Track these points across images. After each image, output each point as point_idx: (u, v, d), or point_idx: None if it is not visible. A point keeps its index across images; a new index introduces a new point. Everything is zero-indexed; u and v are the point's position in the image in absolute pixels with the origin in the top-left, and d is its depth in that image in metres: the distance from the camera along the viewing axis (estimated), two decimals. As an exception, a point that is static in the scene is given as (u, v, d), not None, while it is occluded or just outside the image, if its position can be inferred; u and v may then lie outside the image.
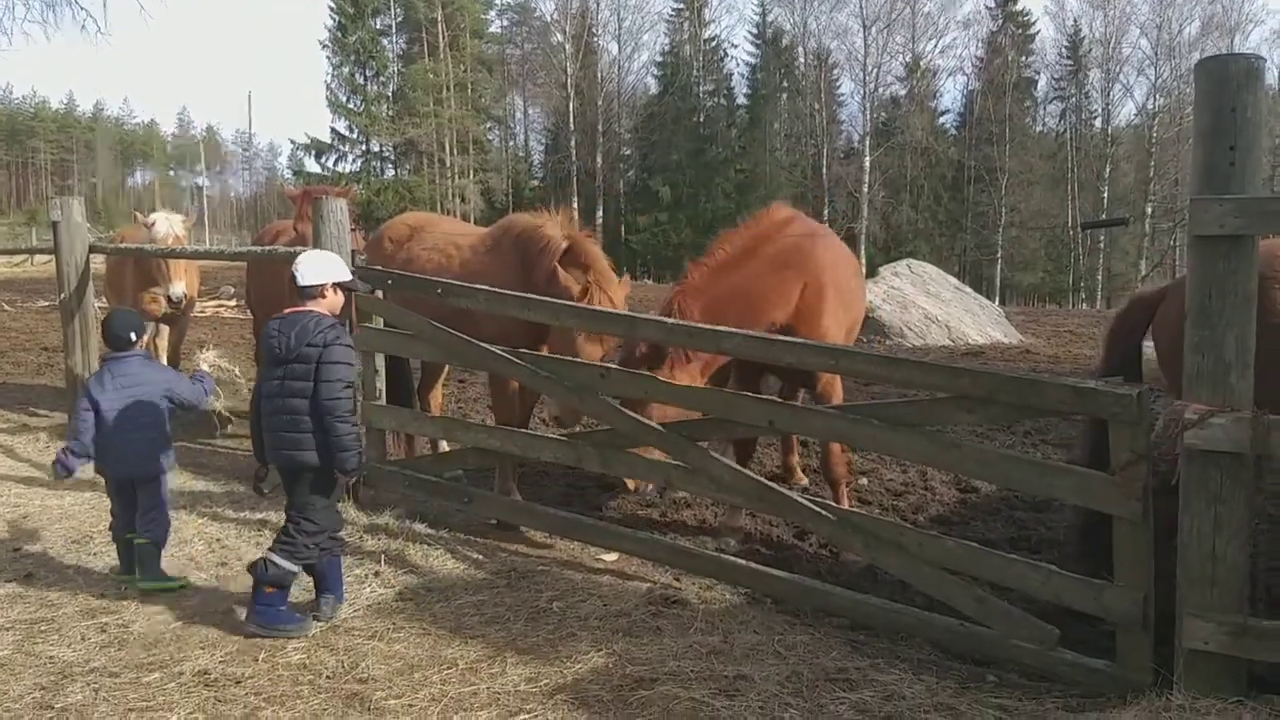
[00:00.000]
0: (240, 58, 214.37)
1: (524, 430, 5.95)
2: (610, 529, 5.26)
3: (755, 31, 61.14)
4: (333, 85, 57.78)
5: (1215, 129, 3.33)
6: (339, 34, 57.38)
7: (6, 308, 22.03)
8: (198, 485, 6.79)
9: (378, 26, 58.89)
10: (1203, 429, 3.29)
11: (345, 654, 4.04)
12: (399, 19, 59.52)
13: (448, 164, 56.84)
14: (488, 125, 63.59)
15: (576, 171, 56.15)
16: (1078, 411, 3.93)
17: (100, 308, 8.66)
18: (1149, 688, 3.49)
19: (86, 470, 5.19)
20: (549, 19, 60.60)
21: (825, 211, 49.46)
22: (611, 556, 5.36)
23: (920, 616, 4.21)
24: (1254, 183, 3.32)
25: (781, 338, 4.96)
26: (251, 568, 4.30)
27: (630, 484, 5.55)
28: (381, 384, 6.15)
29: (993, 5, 56.26)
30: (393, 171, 59.69)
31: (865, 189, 51.56)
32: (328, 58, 58.04)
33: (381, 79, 59.07)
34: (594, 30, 58.80)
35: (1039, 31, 57.85)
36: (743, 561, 4.91)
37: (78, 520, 5.97)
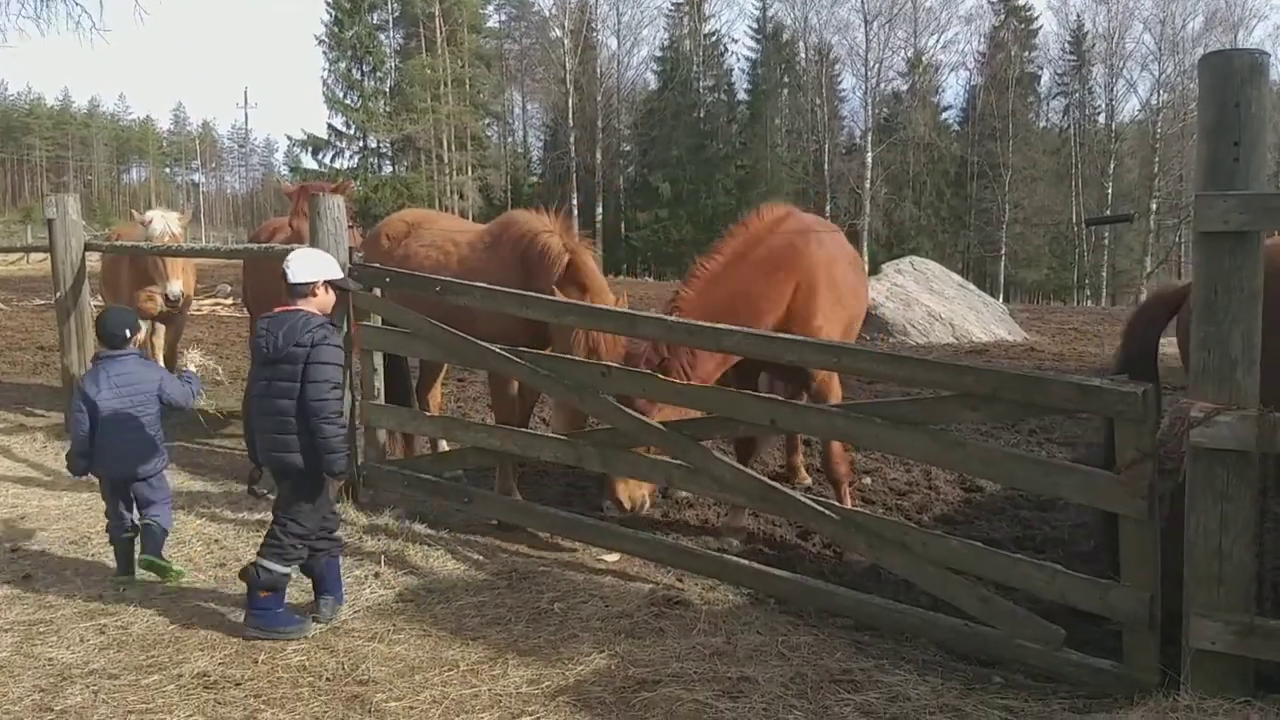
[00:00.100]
0: (236, 54, 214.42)
1: (524, 429, 5.93)
2: (612, 529, 5.23)
3: (756, 26, 61.16)
4: (329, 81, 57.73)
5: (1219, 125, 3.30)
6: (336, 29, 57.27)
7: (2, 306, 22.01)
8: (195, 486, 6.77)
9: (375, 22, 58.76)
10: (1209, 427, 3.26)
11: (345, 656, 4.02)
12: (396, 14, 59.41)
13: (446, 160, 56.79)
14: (486, 121, 63.52)
15: (576, 168, 56.09)
16: (1083, 410, 3.90)
17: (96, 306, 8.62)
18: (1155, 688, 3.46)
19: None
20: (547, 13, 60.67)
21: (828, 208, 49.39)
22: (613, 557, 5.34)
23: (925, 617, 4.18)
24: (1259, 178, 3.30)
25: (782, 335, 4.92)
26: (243, 574, 4.27)
27: (626, 504, 5.42)
28: (380, 383, 6.12)
29: (995, 0, 56.21)
30: (390, 168, 59.62)
31: (867, 185, 51.50)
32: (324, 53, 57.97)
33: (379, 74, 58.99)
34: (593, 25, 58.71)
35: (1041, 26, 58.06)
36: (746, 562, 4.88)
37: (76, 521, 5.95)
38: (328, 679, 3.82)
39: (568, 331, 5.68)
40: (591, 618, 4.38)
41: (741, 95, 60.81)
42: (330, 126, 57.83)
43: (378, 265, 6.38)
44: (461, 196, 55.76)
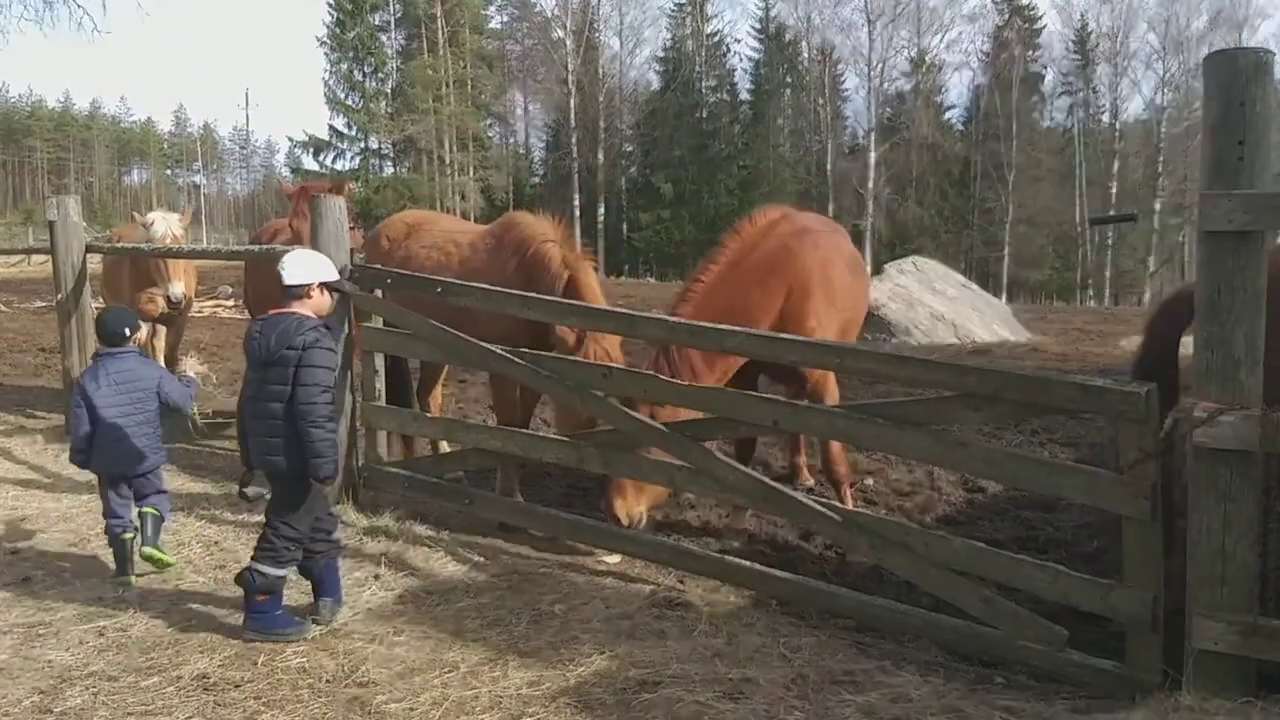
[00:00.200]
0: (238, 55, 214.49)
1: (525, 431, 5.91)
2: (613, 530, 5.22)
3: (758, 26, 61.19)
4: (331, 82, 57.82)
5: (1224, 124, 3.29)
6: (337, 30, 57.35)
7: (3, 308, 22.04)
8: (195, 488, 6.76)
9: (376, 22, 58.83)
10: (1212, 427, 3.25)
11: (345, 657, 4.01)
12: (398, 15, 59.47)
13: (447, 161, 56.81)
14: (488, 122, 63.57)
15: (578, 168, 56.11)
16: (1085, 410, 3.89)
17: (97, 308, 8.62)
18: (1158, 688, 3.45)
19: (89, 472, 5.19)
20: (549, 14, 60.67)
21: (830, 208, 49.36)
22: (614, 558, 5.33)
23: (927, 618, 4.17)
24: (1263, 178, 3.28)
25: (784, 336, 4.90)
26: (238, 579, 4.25)
27: (623, 520, 5.34)
28: (381, 384, 6.11)
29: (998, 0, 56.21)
30: (392, 169, 59.70)
31: (870, 185, 51.52)
32: (326, 54, 58.09)
33: (380, 75, 59.03)
34: (595, 25, 58.75)
35: (1045, 26, 58.08)
36: (747, 563, 4.87)
37: (76, 523, 5.95)
38: (327, 681, 3.81)
39: (572, 348, 5.66)
40: (592, 619, 4.36)
41: (744, 95, 60.89)
42: (331, 128, 57.97)
43: (379, 266, 6.37)
44: (463, 197, 55.77)
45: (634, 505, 5.28)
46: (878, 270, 20.54)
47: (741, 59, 62.10)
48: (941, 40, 56.35)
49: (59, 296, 8.01)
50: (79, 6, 21.23)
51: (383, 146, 59.31)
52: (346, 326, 5.97)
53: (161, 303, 8.76)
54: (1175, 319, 4.43)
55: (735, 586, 4.81)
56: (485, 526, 5.87)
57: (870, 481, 7.03)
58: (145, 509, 5.09)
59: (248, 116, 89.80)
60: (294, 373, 4.14)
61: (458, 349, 5.68)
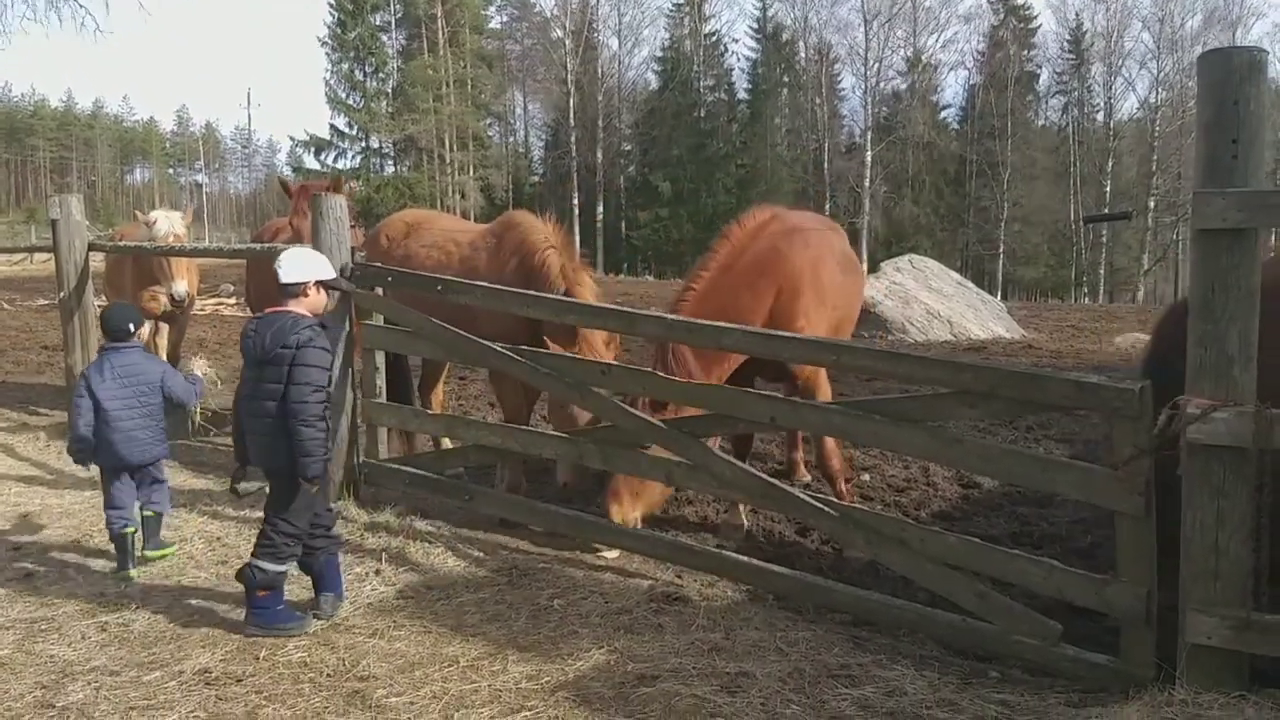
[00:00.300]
0: (240, 55, 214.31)
1: (525, 427, 5.94)
2: (612, 526, 5.24)
3: (756, 26, 61.20)
4: (332, 82, 57.74)
5: (1218, 122, 3.31)
6: (338, 30, 57.30)
7: (6, 306, 22.04)
8: (198, 484, 6.79)
9: (377, 23, 58.77)
10: (1205, 423, 3.28)
11: (346, 652, 4.04)
12: (398, 15, 59.41)
13: (447, 160, 56.77)
14: (487, 121, 63.52)
15: (577, 167, 56.12)
16: (1080, 406, 3.92)
17: (100, 306, 8.63)
18: (1152, 683, 3.48)
19: (90, 468, 5.22)
20: (549, 14, 60.70)
21: (827, 206, 49.44)
22: (613, 553, 5.35)
23: (922, 612, 4.20)
24: (1257, 176, 3.31)
25: (781, 333, 4.93)
26: (239, 576, 4.28)
27: (617, 521, 5.38)
28: (382, 381, 6.14)
29: (994, -1, 56.26)
30: (392, 168, 59.64)
31: (867, 184, 51.54)
32: (327, 54, 58.02)
33: (381, 75, 58.97)
34: (594, 25, 58.74)
35: (1040, 25, 58.04)
36: (744, 558, 4.90)
37: (78, 519, 5.98)
38: (328, 675, 3.84)
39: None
40: (591, 614, 4.39)
41: (742, 95, 60.87)
42: (333, 127, 57.90)
43: (380, 264, 6.39)
44: (463, 196, 55.75)
45: (629, 511, 5.30)
46: (874, 268, 20.56)
47: (739, 59, 62.20)
48: (937, 40, 56.47)
49: (61, 294, 8.04)
50: (81, 6, 21.27)
51: (383, 146, 59.29)
52: (348, 324, 6.00)
53: (164, 301, 8.78)
54: (1184, 320, 4.45)
55: (733, 581, 4.84)
56: (485, 522, 5.90)
57: (866, 477, 7.06)
58: (146, 512, 5.21)
59: (250, 116, 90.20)
60: (288, 371, 4.16)
61: (458, 346, 5.71)
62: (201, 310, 19.71)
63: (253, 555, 4.27)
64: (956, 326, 17.39)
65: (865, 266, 22.02)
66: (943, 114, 58.78)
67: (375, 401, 6.11)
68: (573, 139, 56.19)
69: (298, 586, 4.57)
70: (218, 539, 5.59)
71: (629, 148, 60.88)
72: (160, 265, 8.54)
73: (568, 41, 56.52)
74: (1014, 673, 3.90)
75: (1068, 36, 56.59)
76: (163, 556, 5.24)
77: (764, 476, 4.74)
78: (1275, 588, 3.41)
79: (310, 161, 58.20)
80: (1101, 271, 52.04)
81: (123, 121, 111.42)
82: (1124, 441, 3.54)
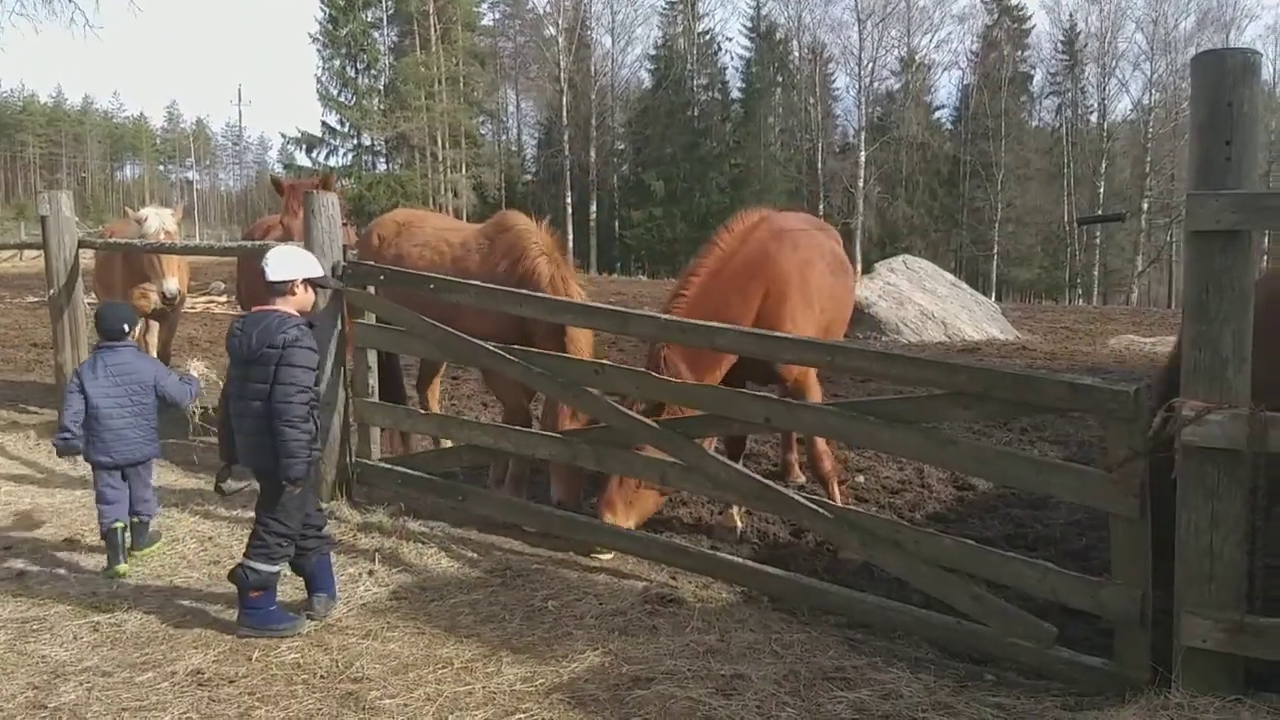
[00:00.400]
0: (231, 51, 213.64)
1: (518, 427, 5.93)
2: (606, 527, 5.23)
3: (749, 25, 61.17)
4: (323, 79, 57.54)
5: (1211, 124, 3.31)
6: (330, 27, 57.08)
7: (-4, 303, 21.92)
8: (189, 483, 6.76)
9: (369, 19, 58.55)
10: (1200, 425, 3.28)
11: (339, 653, 4.03)
12: (390, 12, 59.24)
13: (440, 158, 56.65)
14: (480, 119, 63.45)
15: (570, 166, 56.08)
16: (1074, 408, 3.92)
17: (90, 303, 8.59)
18: (1147, 686, 3.48)
19: (81, 466, 5.22)
20: (542, 12, 60.65)
21: (821, 207, 49.51)
22: (607, 555, 5.34)
23: (917, 615, 4.19)
24: (1250, 178, 3.31)
25: (775, 334, 4.93)
26: (232, 576, 4.26)
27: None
28: (374, 380, 6.12)
29: (988, -1, 56.36)
30: (384, 166, 59.48)
31: (861, 184, 51.62)
32: (318, 51, 57.78)
33: (373, 72, 58.80)
34: (587, 23, 58.68)
35: (1034, 26, 58.25)
36: (739, 560, 4.90)
37: (70, 518, 5.95)
38: (321, 676, 3.82)
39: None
40: (585, 615, 4.38)
41: (735, 94, 60.84)
42: (324, 124, 57.70)
43: (371, 263, 6.37)
44: (456, 194, 55.68)
45: (623, 520, 5.29)
46: (868, 269, 20.58)
47: (733, 58, 62.17)
48: (931, 40, 56.58)
49: (51, 292, 8.00)
50: (70, 1, 21.15)
51: (375, 143, 59.13)
52: (340, 323, 5.98)
53: (155, 298, 8.75)
54: None
55: (727, 583, 4.83)
56: (479, 522, 5.88)
57: (861, 479, 7.06)
58: (133, 518, 5.23)
59: (240, 113, 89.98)
60: (274, 371, 4.12)
61: (450, 346, 5.70)
62: (192, 308, 19.63)
63: (245, 556, 4.25)
64: (950, 328, 17.41)
65: (859, 267, 22.05)
66: (937, 114, 58.94)
67: (368, 401, 6.09)
68: (566, 137, 56.13)
69: (290, 587, 4.55)
70: (210, 539, 5.57)
71: (622, 146, 60.87)
72: (151, 262, 8.51)
73: (561, 39, 56.44)
74: (1009, 675, 3.89)
75: (1061, 37, 56.77)
76: (151, 552, 5.28)
77: (758, 478, 4.73)
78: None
79: (302, 159, 58.05)
80: (1095, 273, 52.19)
81: (113, 117, 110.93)
82: (1118, 443, 3.54)
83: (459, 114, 57.48)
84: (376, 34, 59.18)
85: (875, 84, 55.56)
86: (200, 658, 3.99)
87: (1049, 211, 53.72)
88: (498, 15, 65.47)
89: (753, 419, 4.65)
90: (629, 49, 61.83)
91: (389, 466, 6.10)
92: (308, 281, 4.43)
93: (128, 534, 5.13)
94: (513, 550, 5.43)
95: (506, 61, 64.67)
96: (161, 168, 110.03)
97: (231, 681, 3.78)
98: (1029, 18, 57.47)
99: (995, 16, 56.19)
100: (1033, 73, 57.94)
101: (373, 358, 6.13)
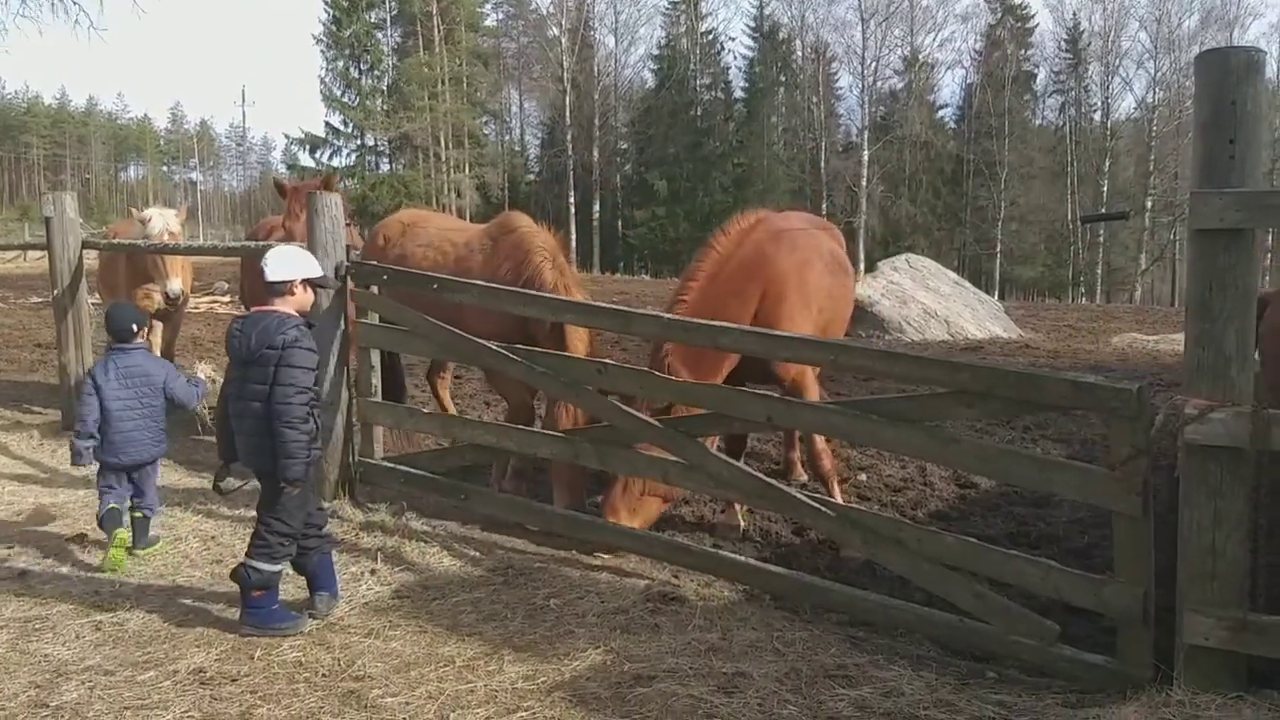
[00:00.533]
0: (234, 52, 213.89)
1: (521, 426, 5.93)
2: (608, 525, 5.23)
3: (753, 25, 61.10)
4: (327, 79, 57.51)
5: (1215, 122, 3.31)
6: (333, 28, 57.09)
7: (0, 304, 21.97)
8: (192, 483, 6.77)
9: (372, 20, 58.55)
10: (1203, 424, 3.27)
11: (341, 652, 4.03)
12: (393, 12, 59.23)
13: (443, 158, 56.65)
14: (483, 119, 63.43)
15: (573, 166, 56.06)
16: (1077, 406, 3.92)
17: (94, 304, 8.61)
18: (1149, 683, 3.48)
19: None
20: (545, 12, 60.61)
21: (824, 206, 49.47)
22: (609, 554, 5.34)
23: (919, 613, 4.19)
24: (1254, 176, 3.31)
25: (778, 332, 4.93)
26: (234, 576, 4.26)
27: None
28: (377, 380, 6.12)
29: (991, -2, 56.28)
30: (388, 166, 59.49)
31: (864, 183, 51.56)
32: (322, 52, 57.79)
33: (376, 73, 58.79)
34: (590, 23, 58.67)
35: (1038, 25, 58.07)
36: (741, 558, 4.90)
37: (72, 518, 5.95)
38: (323, 675, 3.82)
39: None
40: (587, 614, 4.38)
41: (738, 93, 60.80)
42: (328, 125, 57.71)
43: (375, 263, 6.38)
44: (459, 195, 55.68)
45: (627, 525, 5.29)
46: (871, 267, 20.58)
47: (736, 57, 62.05)
48: (935, 39, 56.51)
49: (55, 292, 8.02)
50: (75, 3, 21.18)
51: (379, 143, 59.12)
52: (343, 323, 5.98)
53: (158, 299, 8.75)
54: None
55: (729, 581, 4.83)
56: (481, 521, 5.88)
57: (863, 477, 7.05)
58: (135, 514, 5.29)
59: (244, 113, 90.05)
60: (273, 372, 4.12)
61: (454, 345, 5.70)
62: (196, 308, 19.66)
63: (247, 555, 4.25)
64: (953, 326, 17.40)
65: (862, 266, 22.08)
66: (940, 113, 58.86)
67: (370, 400, 6.09)
68: (569, 137, 56.13)
69: (293, 586, 4.56)
70: (212, 538, 5.58)
71: (625, 146, 60.86)
72: (154, 263, 8.51)
73: (564, 39, 56.43)
74: (1011, 673, 3.89)
75: (1065, 36, 56.68)
76: (153, 551, 5.29)
77: (761, 476, 4.73)
78: None
79: (305, 159, 58.06)
80: (1099, 271, 52.11)
81: (117, 119, 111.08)
82: (1121, 441, 3.54)
83: (462, 114, 57.48)
84: (380, 35, 59.20)
85: (878, 83, 55.58)
86: (202, 656, 3.99)
87: (1052, 210, 53.66)
88: (501, 16, 65.54)
89: (755, 418, 4.65)
90: (632, 49, 61.96)
91: (391, 466, 6.10)
92: (307, 282, 4.42)
93: (125, 515, 5.21)
94: (515, 549, 5.43)
95: (510, 62, 64.64)
96: (165, 169, 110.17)
97: (234, 680, 3.78)
98: (1032, 16, 57.44)
99: (999, 15, 56.13)
100: (1036, 71, 57.94)
101: (376, 357, 6.13)
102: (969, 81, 57.05)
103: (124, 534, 5.10)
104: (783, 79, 59.80)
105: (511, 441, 5.58)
